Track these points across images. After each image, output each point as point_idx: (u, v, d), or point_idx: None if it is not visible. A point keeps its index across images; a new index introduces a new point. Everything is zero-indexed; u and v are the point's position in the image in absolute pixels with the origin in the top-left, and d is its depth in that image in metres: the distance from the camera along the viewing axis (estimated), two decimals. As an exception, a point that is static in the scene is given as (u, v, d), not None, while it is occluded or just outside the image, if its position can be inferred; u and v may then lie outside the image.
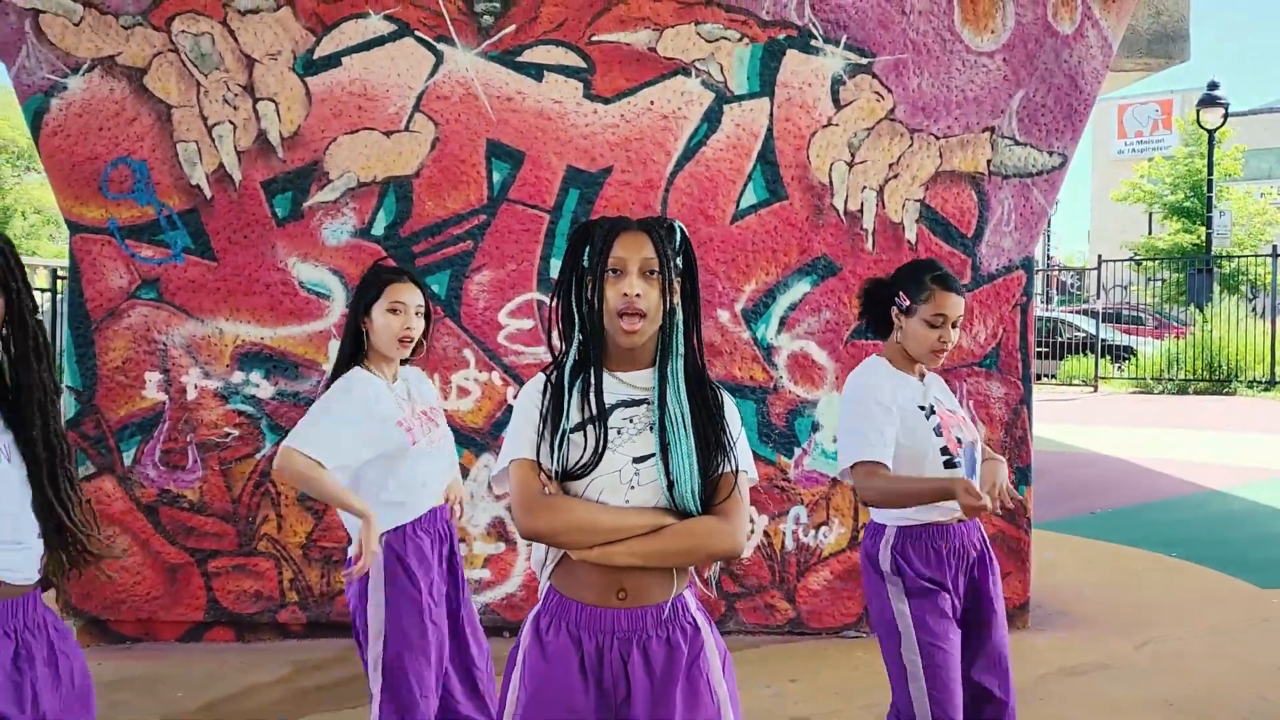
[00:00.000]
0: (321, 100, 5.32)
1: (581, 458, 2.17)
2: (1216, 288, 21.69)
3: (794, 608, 5.53)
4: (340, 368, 3.49)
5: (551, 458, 2.19)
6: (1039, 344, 22.28)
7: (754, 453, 5.33)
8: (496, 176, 5.40)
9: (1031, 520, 5.62)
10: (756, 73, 5.45)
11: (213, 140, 5.32)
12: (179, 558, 5.37)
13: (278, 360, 5.38)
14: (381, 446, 3.35)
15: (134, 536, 5.35)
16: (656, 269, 2.21)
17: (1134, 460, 11.44)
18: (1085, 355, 21.36)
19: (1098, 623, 5.76)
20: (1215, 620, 5.72)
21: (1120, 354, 21.60)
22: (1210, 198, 23.01)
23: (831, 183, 5.49)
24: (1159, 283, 27.71)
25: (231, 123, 5.32)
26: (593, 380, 2.22)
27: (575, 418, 2.20)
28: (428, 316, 3.53)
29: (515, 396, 5.47)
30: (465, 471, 5.43)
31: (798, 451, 5.52)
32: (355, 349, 3.49)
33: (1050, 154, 5.53)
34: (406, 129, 5.37)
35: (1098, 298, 23.09)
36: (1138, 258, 28.10)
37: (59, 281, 12.36)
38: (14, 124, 42.95)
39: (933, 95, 5.47)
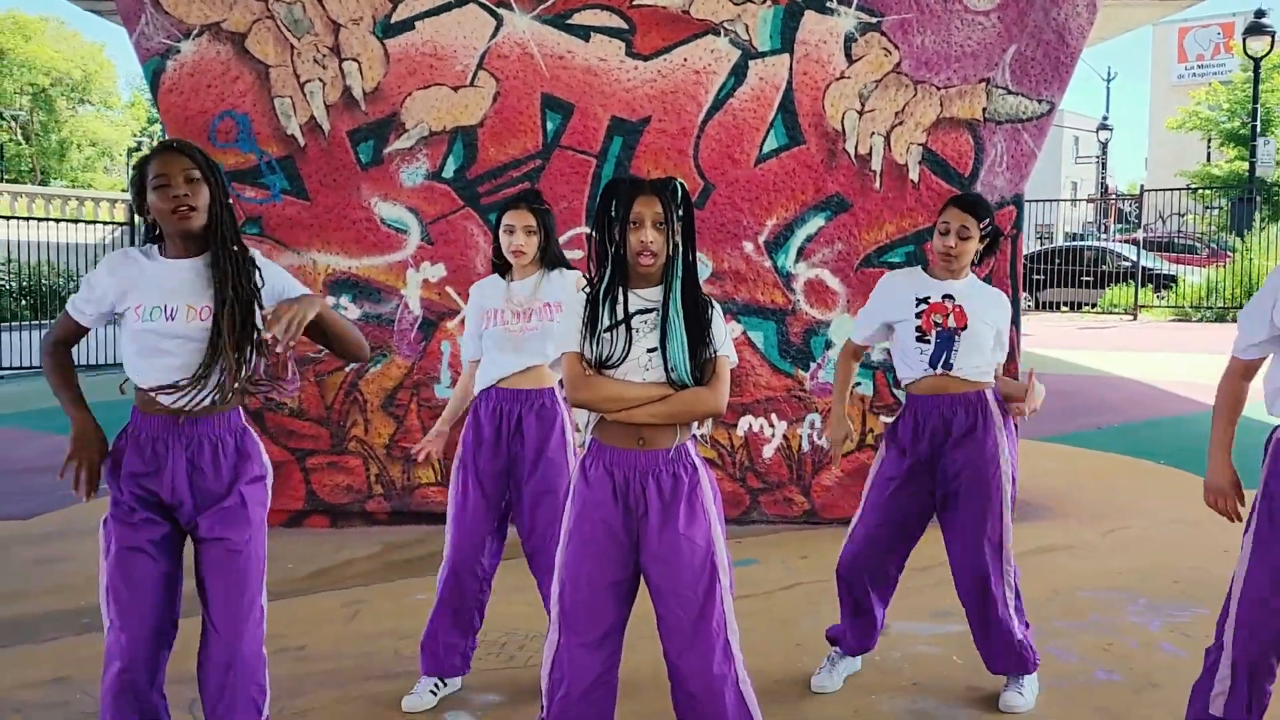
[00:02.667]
0: (398, 60, 6.21)
1: (613, 351, 3.07)
2: (1258, 216, 22.06)
3: (809, 501, 6.47)
4: None
5: (591, 349, 3.10)
6: (1084, 273, 22.87)
7: (775, 367, 6.36)
8: (550, 126, 6.27)
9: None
10: (778, 32, 6.27)
11: (305, 96, 6.23)
12: (281, 455, 6.31)
13: (363, 286, 6.31)
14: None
15: (243, 437, 6.33)
16: (663, 221, 3.09)
17: (1154, 383, 12.18)
18: (1127, 284, 21.87)
19: (1074, 516, 6.65)
20: (1181, 514, 6.56)
21: (1162, 283, 22.09)
22: (1254, 126, 23.33)
23: (844, 129, 6.31)
24: (1214, 210, 28.03)
25: (321, 80, 6.23)
26: (620, 296, 3.13)
27: (606, 321, 3.10)
28: (547, 232, 4.22)
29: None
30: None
31: (813, 366, 6.42)
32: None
33: (1039, 102, 6.32)
34: (471, 84, 6.24)
35: (1138, 228, 23.53)
36: (1185, 186, 28.36)
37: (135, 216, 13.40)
38: (68, 57, 44.26)
39: (934, 51, 6.26)
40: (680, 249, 3.16)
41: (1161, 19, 33.09)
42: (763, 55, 6.27)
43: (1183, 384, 11.91)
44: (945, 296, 4.07)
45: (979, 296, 4.12)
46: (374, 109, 6.25)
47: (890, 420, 4.35)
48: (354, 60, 6.21)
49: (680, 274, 3.14)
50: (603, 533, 3.11)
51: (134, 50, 6.25)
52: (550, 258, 4.27)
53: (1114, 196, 40.97)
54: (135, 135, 49.05)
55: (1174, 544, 5.97)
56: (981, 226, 4.03)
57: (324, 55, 6.22)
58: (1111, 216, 39.27)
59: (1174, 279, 21.74)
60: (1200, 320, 20.13)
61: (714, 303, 3.21)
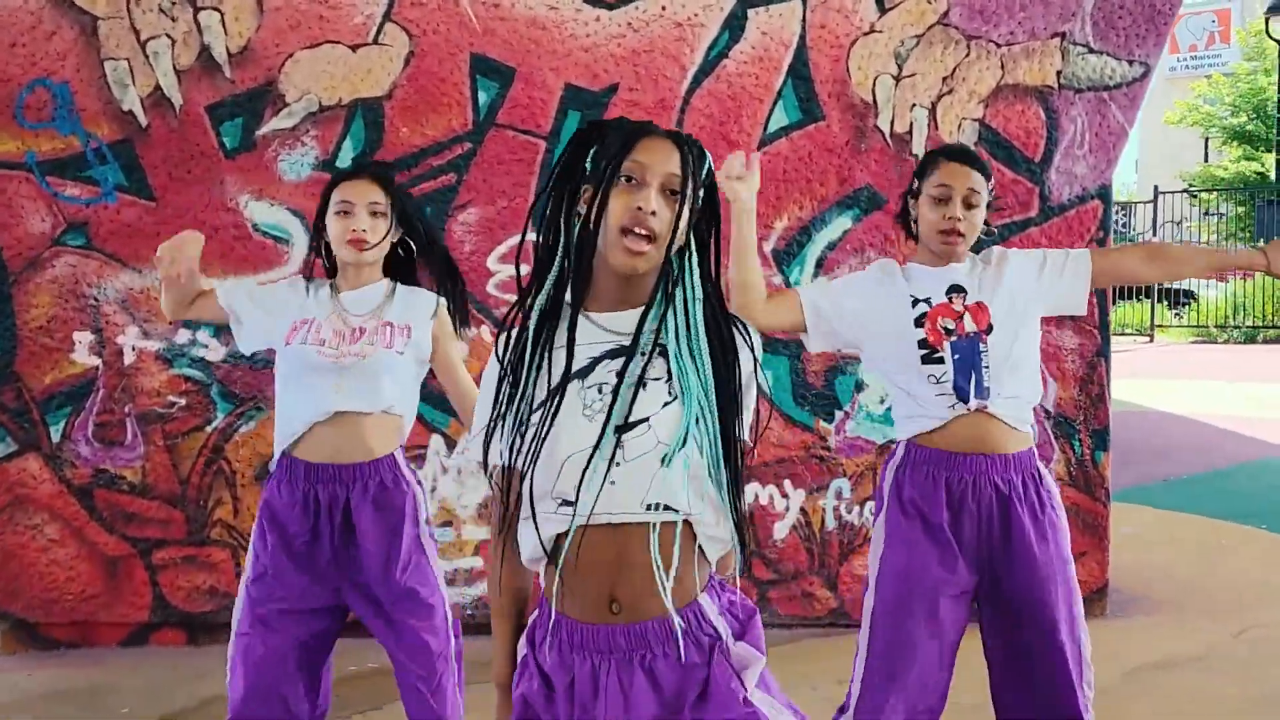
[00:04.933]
0: (276, 9, 5.17)
1: (548, 438, 1.99)
2: (1289, 222, 21.64)
3: (836, 596, 5.45)
4: None
5: (513, 448, 2.03)
6: (1086, 289, 22.25)
7: (789, 418, 5.33)
8: (483, 97, 5.29)
9: (1110, 491, 5.54)
10: (786, -29, 5.33)
11: (147, 57, 5.18)
12: (119, 549, 5.26)
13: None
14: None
15: (65, 525, 5.23)
16: (678, 189, 2.03)
17: (1202, 419, 11.43)
18: (1139, 301, 21.33)
19: (1186, 607, 5.73)
20: (1324, 603, 5.69)
21: (1179, 299, 21.61)
22: (1279, 119, 22.88)
23: (875, 100, 5.38)
24: (1218, 217, 27.68)
25: (169, 36, 5.18)
26: (573, 324, 2.05)
27: (541, 377, 2.04)
28: (407, 223, 3.39)
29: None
30: (453, 443, 5.31)
31: (839, 415, 5.42)
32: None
33: (1131, 63, 5.43)
34: (375, 42, 5.25)
35: (1154, 235, 23.00)
36: (1196, 189, 28.04)
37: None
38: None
39: (993, -5, 5.35)
40: (695, 250, 2.11)
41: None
42: (767, 2, 5.33)
43: (1235, 420, 11.15)
44: (953, 291, 3.14)
45: (995, 274, 3.19)
46: (242, 75, 5.21)
47: (885, 473, 3.31)
48: (214, 9, 5.17)
49: (697, 291, 2.08)
50: None
51: (-91, -4, 5.14)
52: (404, 268, 3.42)
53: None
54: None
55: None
56: (990, 185, 3.20)
57: (173, 2, 5.15)
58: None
59: (1193, 295, 21.26)
60: (1226, 342, 19.61)
61: (748, 329, 2.15)
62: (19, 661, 5.18)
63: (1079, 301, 3.24)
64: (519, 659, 2.13)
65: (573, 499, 1.97)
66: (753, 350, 2.11)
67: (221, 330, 5.23)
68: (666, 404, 1.99)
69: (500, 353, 2.09)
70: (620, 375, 2.01)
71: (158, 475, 5.27)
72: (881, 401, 5.35)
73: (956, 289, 3.15)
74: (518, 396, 2.04)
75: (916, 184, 3.25)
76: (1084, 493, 5.46)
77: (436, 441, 5.32)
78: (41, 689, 4.84)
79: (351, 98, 5.24)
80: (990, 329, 3.10)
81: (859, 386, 5.42)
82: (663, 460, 1.97)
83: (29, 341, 5.19)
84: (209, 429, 5.27)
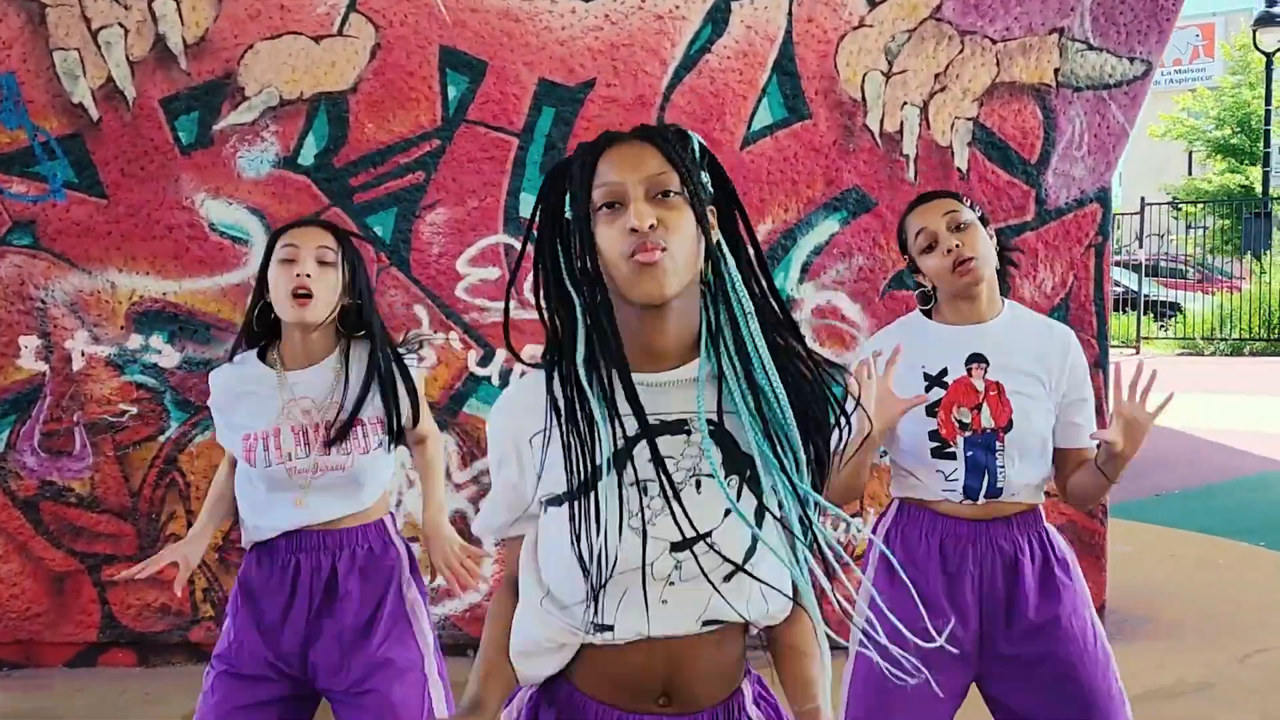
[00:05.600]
0: (234, -3, 4.91)
1: (603, 546, 1.61)
2: (1276, 234, 21.51)
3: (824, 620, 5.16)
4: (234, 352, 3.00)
5: (575, 532, 1.64)
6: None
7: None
8: (452, 92, 5.06)
9: (1108, 508, 5.29)
10: (772, -38, 5.10)
11: (98, 47, 4.94)
12: (66, 564, 5.02)
13: (184, 320, 5.02)
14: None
15: (9, 539, 4.98)
16: (675, 189, 1.65)
17: (1193, 433, 11.19)
18: (1125, 313, 21.22)
19: (1189, 631, 5.48)
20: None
21: (1165, 311, 21.51)
22: (1268, 130, 22.84)
23: (865, 98, 5.16)
24: (1202, 230, 27.61)
25: (122, 25, 4.94)
26: (614, 392, 1.64)
27: (581, 464, 1.63)
28: (353, 267, 2.89)
29: (478, 362, 5.08)
30: (418, 455, 5.05)
31: (825, 427, 5.16)
32: (266, 331, 2.97)
33: (1132, 60, 5.21)
34: (340, 33, 5.02)
35: (1140, 247, 22.90)
36: (1182, 200, 27.97)
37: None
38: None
39: (988, -11, 5.12)
40: (728, 255, 1.71)
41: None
42: (751, -6, 5.08)
43: (1226, 433, 10.96)
44: (973, 361, 2.77)
45: (1034, 344, 2.82)
46: (199, 67, 4.96)
47: (877, 534, 2.97)
48: (170, -3, 4.91)
49: (747, 309, 1.68)
50: None
51: None
52: (355, 320, 2.93)
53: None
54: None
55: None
56: (968, 205, 2.84)
57: (126, -11, 4.91)
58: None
59: (1178, 307, 21.15)
60: (1213, 354, 19.48)
61: (844, 374, 1.78)
62: (-41, 684, 4.92)
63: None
64: None
65: (610, 623, 1.66)
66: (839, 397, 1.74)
67: (175, 336, 4.98)
68: (728, 510, 1.64)
69: (530, 426, 1.72)
70: (663, 468, 1.62)
71: (108, 487, 5.02)
72: (870, 413, 5.10)
73: (977, 358, 2.79)
74: (584, 467, 1.64)
75: (906, 258, 2.91)
76: (1080, 510, 5.21)
77: (403, 454, 5.04)
78: (-18, 713, 4.58)
79: (314, 91, 5.00)
80: (1010, 426, 2.75)
81: (846, 398, 5.16)
82: (726, 578, 1.65)
83: (-28, 346, 4.93)
84: (162, 439, 5.02)
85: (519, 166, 5.06)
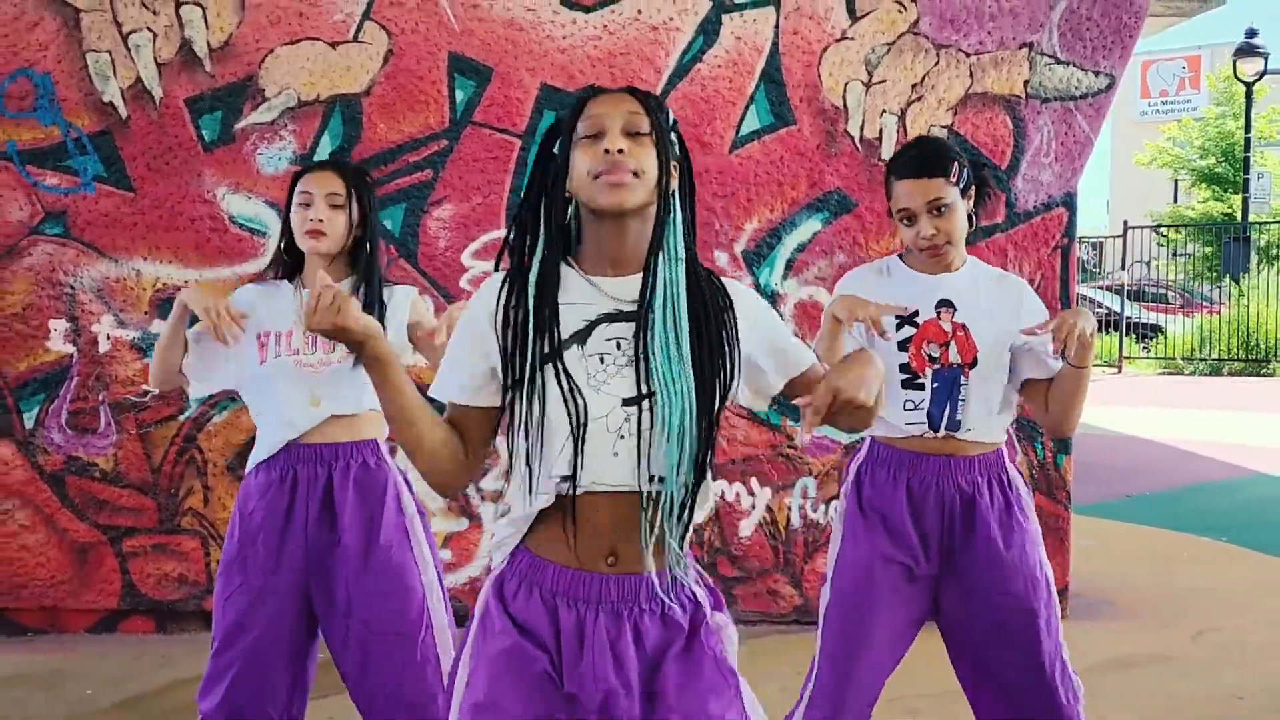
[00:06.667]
0: (256, 5, 5.10)
1: (556, 404, 1.91)
2: (1254, 258, 21.67)
3: (800, 594, 5.36)
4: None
5: (516, 400, 1.95)
6: (1054, 322, 22.26)
7: (754, 417, 5.25)
8: (459, 96, 5.21)
9: (1071, 494, 5.47)
10: (760, -22, 5.28)
11: (128, 50, 5.09)
12: (89, 536, 5.15)
13: (205, 307, 5.14)
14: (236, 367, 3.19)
15: (36, 511, 5.13)
16: (646, 130, 1.96)
17: (1167, 442, 11.40)
18: (1108, 334, 21.35)
19: (1147, 612, 5.64)
20: (1275, 608, 5.59)
21: (1147, 333, 21.65)
22: (1247, 158, 23.03)
23: (846, 106, 5.32)
24: (1186, 257, 27.78)
25: (150, 30, 5.09)
26: (570, 285, 1.98)
27: (541, 342, 1.94)
28: (364, 214, 3.16)
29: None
30: (422, 436, 5.24)
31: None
32: (297, 263, 3.24)
33: (1096, 74, 5.38)
34: (355, 39, 5.17)
35: (1122, 269, 23.05)
36: (1165, 225, 28.12)
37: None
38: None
39: (963, 6, 5.30)
40: (677, 203, 2.02)
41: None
42: (740, 8, 5.26)
43: (1199, 444, 11.12)
44: (942, 306, 2.98)
45: (994, 298, 3.01)
46: (223, 70, 5.12)
47: (849, 470, 3.19)
48: (196, 4, 5.09)
49: (679, 251, 2.00)
50: (527, 702, 1.94)
51: (-106, -15, 5.07)
52: (366, 264, 3.18)
53: (1080, 240, 40.52)
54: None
55: (1287, 651, 4.97)
56: (954, 181, 2.93)
57: (155, -4, 5.09)
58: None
59: (1160, 329, 21.28)
60: (1193, 374, 19.57)
61: (735, 287, 2.07)
62: (-13, 647, 5.09)
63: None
64: (478, 617, 2.04)
65: (570, 473, 1.92)
66: (732, 305, 2.03)
67: (196, 320, 5.14)
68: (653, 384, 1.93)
69: (499, 300, 1.99)
70: (620, 346, 1.95)
71: (130, 463, 5.16)
72: (848, 402, 5.29)
73: (945, 304, 2.99)
74: (513, 350, 1.96)
75: (888, 202, 3.07)
76: (1046, 495, 5.40)
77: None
78: (8, 671, 4.74)
79: (330, 94, 5.16)
80: (975, 363, 2.95)
81: (826, 387, 5.35)
82: (666, 435, 1.91)
83: (4, 328, 5.10)
84: (181, 418, 5.17)
85: (521, 166, 5.20)
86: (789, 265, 5.33)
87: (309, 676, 3.21)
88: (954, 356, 2.95)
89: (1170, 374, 19.76)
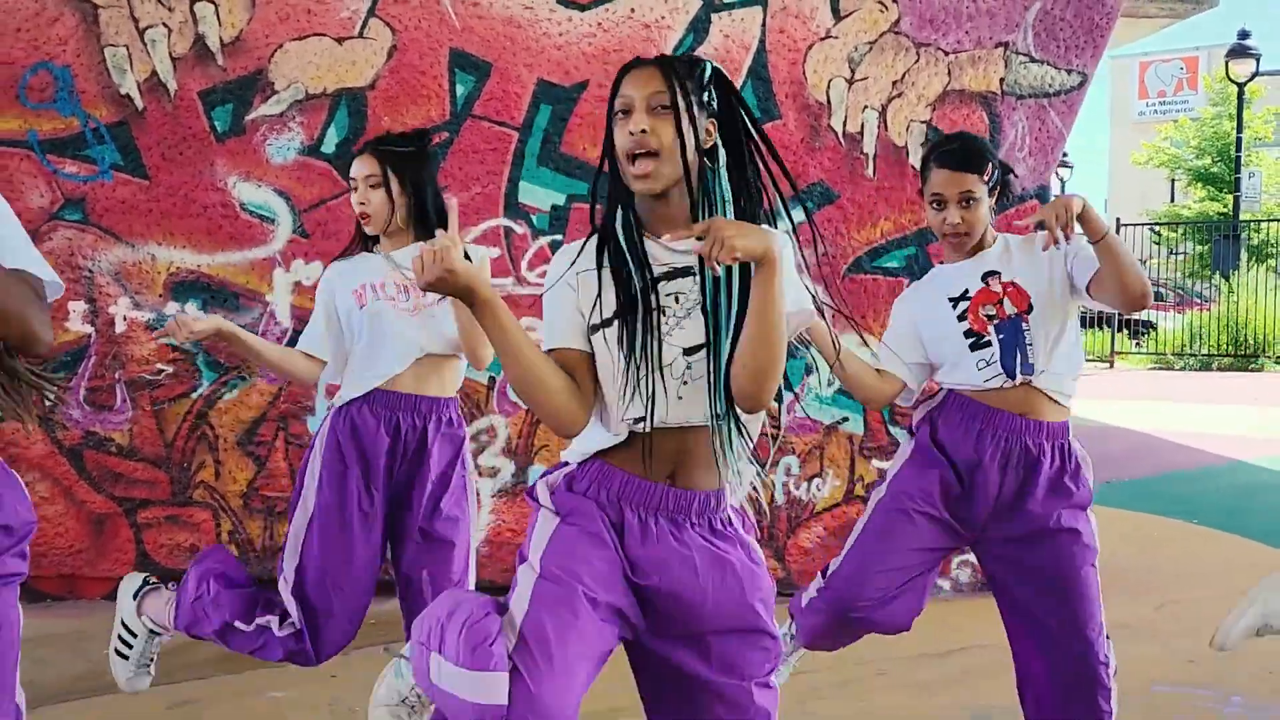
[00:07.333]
0: (266, 2, 5.28)
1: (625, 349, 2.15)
2: (1244, 256, 21.82)
3: (784, 567, 5.55)
4: None
5: (615, 344, 2.19)
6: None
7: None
8: (460, 90, 5.39)
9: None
10: (748, -21, 5.45)
11: (144, 45, 5.27)
12: (105, 507, 5.34)
13: (216, 290, 5.35)
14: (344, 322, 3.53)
15: (56, 483, 5.33)
16: (667, 104, 2.16)
17: (1151, 433, 11.59)
18: (1100, 330, 21.49)
19: (1114, 585, 5.72)
20: (1239, 584, 5.75)
21: (1139, 329, 21.79)
22: (1239, 157, 23.16)
23: (829, 101, 5.50)
24: (1181, 256, 27.91)
25: (166, 25, 5.27)
26: (632, 249, 2.19)
27: (609, 298, 2.19)
28: (415, 185, 3.45)
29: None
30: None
31: (789, 397, 5.53)
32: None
33: (1069, 72, 5.56)
34: (360, 35, 5.34)
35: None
36: (1158, 223, 28.22)
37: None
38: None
39: (942, 6, 5.48)
40: (721, 160, 2.21)
41: (1123, 51, 33.28)
42: (729, 7, 5.45)
43: (1189, 435, 11.27)
44: (989, 275, 3.20)
45: (1025, 257, 3.23)
46: (234, 64, 5.31)
47: (919, 415, 3.40)
48: (209, 1, 5.27)
49: (726, 201, 2.19)
50: (591, 578, 2.19)
51: (-79, -18, 5.26)
52: (425, 221, 3.47)
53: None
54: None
55: (1248, 622, 5.15)
56: (986, 179, 3.19)
57: (170, -7, 5.27)
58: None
59: (1151, 325, 21.42)
60: (1184, 369, 19.73)
61: (774, 233, 2.21)
62: (7, 612, 5.28)
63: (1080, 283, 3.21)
64: (548, 500, 2.27)
65: (643, 415, 2.14)
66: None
67: (208, 304, 5.33)
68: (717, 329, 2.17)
69: (566, 265, 2.24)
70: (679, 299, 2.18)
71: (144, 438, 5.36)
72: (830, 384, 5.49)
73: (991, 274, 3.21)
74: (597, 303, 2.19)
75: (923, 184, 3.29)
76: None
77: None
78: (29, 636, 4.90)
79: (336, 87, 5.33)
80: (1030, 308, 3.15)
81: (808, 370, 5.54)
82: (721, 379, 2.15)
83: (26, 309, 5.28)
84: (194, 396, 5.36)
85: (519, 157, 5.39)
86: (774, 253, 5.50)
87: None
88: (1009, 309, 3.17)
89: (1161, 369, 19.92)
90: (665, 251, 2.19)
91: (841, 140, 5.52)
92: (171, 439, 5.37)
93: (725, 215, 2.18)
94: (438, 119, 5.38)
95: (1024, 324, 3.15)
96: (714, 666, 2.25)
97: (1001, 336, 3.16)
